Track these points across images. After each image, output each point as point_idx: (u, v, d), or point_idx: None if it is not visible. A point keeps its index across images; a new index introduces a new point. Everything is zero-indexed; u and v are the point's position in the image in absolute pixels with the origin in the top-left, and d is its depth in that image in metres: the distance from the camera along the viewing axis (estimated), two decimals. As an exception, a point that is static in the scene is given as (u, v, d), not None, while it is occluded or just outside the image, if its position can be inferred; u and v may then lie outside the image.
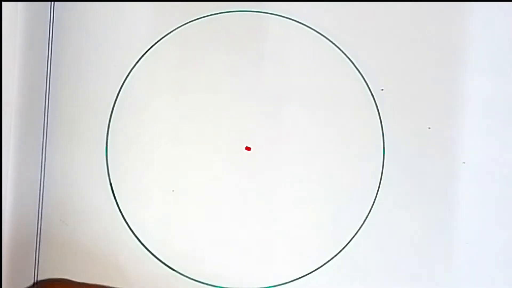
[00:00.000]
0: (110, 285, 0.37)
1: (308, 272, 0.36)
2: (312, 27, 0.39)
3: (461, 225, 0.37)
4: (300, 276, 0.36)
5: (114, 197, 0.38)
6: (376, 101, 0.38)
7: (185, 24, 0.39)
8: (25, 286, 0.37)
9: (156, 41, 0.39)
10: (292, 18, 0.39)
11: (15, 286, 0.36)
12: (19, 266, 0.36)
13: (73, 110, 0.38)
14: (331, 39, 0.39)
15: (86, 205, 0.38)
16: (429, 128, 0.38)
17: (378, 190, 0.37)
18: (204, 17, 0.39)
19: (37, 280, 0.37)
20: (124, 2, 0.39)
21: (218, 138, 0.38)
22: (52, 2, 0.39)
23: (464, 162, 0.38)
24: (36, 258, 0.37)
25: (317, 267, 0.36)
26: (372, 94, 0.38)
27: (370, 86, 0.38)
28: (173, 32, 0.39)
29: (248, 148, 0.38)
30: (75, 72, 0.39)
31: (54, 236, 0.37)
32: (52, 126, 0.38)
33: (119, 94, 0.38)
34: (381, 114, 0.38)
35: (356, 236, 0.37)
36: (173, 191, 0.38)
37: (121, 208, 0.38)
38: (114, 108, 0.38)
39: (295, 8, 0.39)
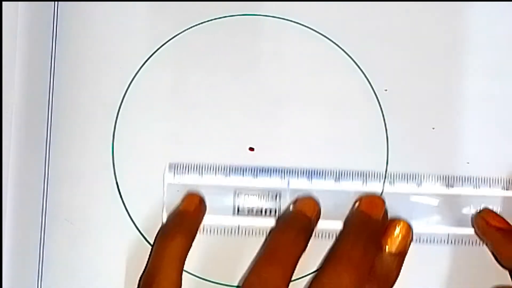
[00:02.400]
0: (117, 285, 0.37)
1: (310, 272, 0.37)
2: (314, 29, 0.38)
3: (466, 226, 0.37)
4: (303, 275, 0.37)
5: (121, 196, 0.38)
6: (380, 102, 0.38)
7: (187, 29, 0.39)
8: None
9: (159, 46, 0.39)
10: (293, 20, 0.39)
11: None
12: (21, 268, 0.37)
13: (78, 109, 0.39)
14: (333, 40, 0.38)
15: (92, 204, 0.38)
16: (433, 128, 0.38)
17: (382, 191, 0.37)
18: (205, 22, 0.39)
19: (41, 283, 0.37)
20: (131, 2, 0.39)
21: (222, 139, 0.38)
22: (56, 2, 0.39)
23: (468, 163, 0.38)
24: (39, 259, 0.37)
25: (317, 267, 0.37)
26: (375, 95, 0.38)
27: (373, 86, 0.38)
28: (178, 36, 0.39)
29: (251, 149, 0.38)
30: (80, 72, 0.39)
31: (59, 235, 0.38)
32: (57, 126, 0.38)
33: (126, 95, 0.39)
34: (384, 115, 0.38)
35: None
36: (178, 191, 0.38)
37: (127, 207, 0.38)
38: (121, 107, 0.39)
39: (295, 9, 0.38)
